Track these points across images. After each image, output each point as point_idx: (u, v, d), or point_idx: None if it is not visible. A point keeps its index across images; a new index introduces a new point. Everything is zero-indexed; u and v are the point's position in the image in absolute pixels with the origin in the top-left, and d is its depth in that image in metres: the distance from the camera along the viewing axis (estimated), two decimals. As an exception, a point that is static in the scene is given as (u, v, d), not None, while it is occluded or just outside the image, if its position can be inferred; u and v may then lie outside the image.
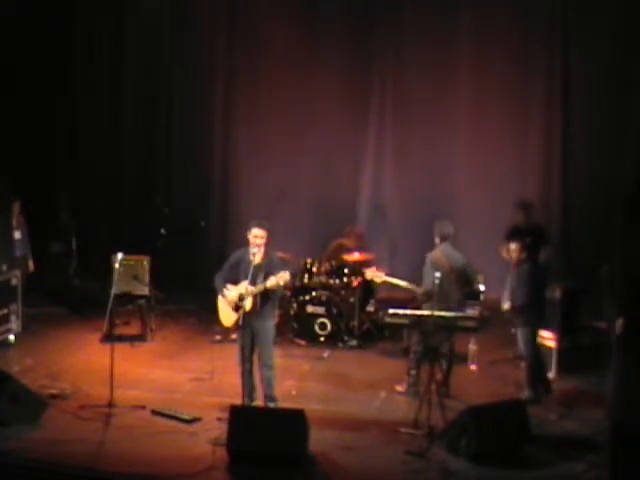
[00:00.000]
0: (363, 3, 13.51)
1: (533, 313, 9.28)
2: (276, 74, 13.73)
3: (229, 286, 8.69)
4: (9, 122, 13.06)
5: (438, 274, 8.60)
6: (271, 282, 8.44)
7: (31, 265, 11.99)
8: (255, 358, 8.71)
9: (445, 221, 9.70)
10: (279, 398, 8.80)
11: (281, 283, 8.54)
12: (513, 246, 9.44)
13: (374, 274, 9.80)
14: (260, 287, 8.49)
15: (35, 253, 12.17)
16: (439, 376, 8.83)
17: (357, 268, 11.62)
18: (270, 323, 8.76)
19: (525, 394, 9.22)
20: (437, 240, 9.53)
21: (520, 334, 9.36)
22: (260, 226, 8.61)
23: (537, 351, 9.46)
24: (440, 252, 9.45)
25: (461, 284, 9.35)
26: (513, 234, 10.11)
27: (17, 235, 11.83)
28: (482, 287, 10.48)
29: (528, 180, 13.02)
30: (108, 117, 14.54)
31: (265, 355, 8.69)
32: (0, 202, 11.69)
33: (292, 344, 11.30)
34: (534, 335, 9.39)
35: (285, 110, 13.74)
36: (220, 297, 8.79)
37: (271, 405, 8.67)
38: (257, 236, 8.56)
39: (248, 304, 8.50)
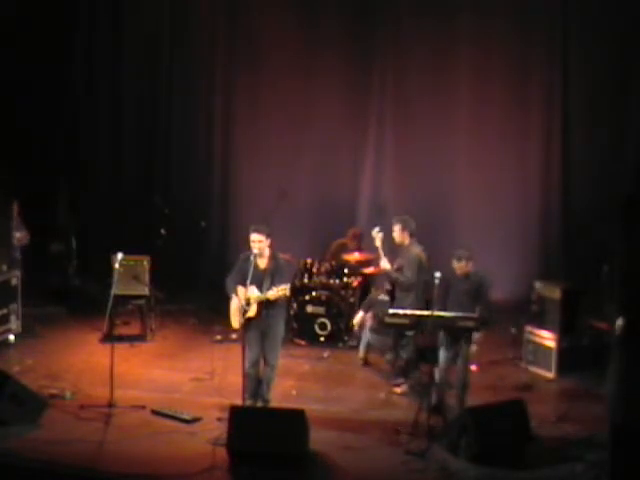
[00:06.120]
0: (363, 3, 13.49)
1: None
2: (276, 74, 13.69)
3: (239, 288, 8.67)
4: (9, 122, 13.04)
5: (438, 274, 8.58)
6: (272, 294, 8.50)
7: None
8: (261, 360, 8.73)
9: (406, 216, 9.72)
10: (278, 398, 8.80)
11: (281, 295, 8.59)
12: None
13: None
14: (262, 297, 8.53)
15: (35, 253, 12.14)
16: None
17: (357, 268, 11.62)
18: (280, 324, 8.80)
19: None
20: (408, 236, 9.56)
21: None
22: (257, 231, 8.61)
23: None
24: (419, 249, 9.49)
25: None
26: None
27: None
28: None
29: (528, 180, 13.02)
30: (108, 117, 14.52)
31: (271, 355, 8.73)
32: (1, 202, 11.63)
33: (292, 344, 11.29)
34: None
35: (285, 110, 13.71)
36: (232, 300, 8.78)
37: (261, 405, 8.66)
38: (254, 241, 8.58)
39: (253, 310, 8.55)
